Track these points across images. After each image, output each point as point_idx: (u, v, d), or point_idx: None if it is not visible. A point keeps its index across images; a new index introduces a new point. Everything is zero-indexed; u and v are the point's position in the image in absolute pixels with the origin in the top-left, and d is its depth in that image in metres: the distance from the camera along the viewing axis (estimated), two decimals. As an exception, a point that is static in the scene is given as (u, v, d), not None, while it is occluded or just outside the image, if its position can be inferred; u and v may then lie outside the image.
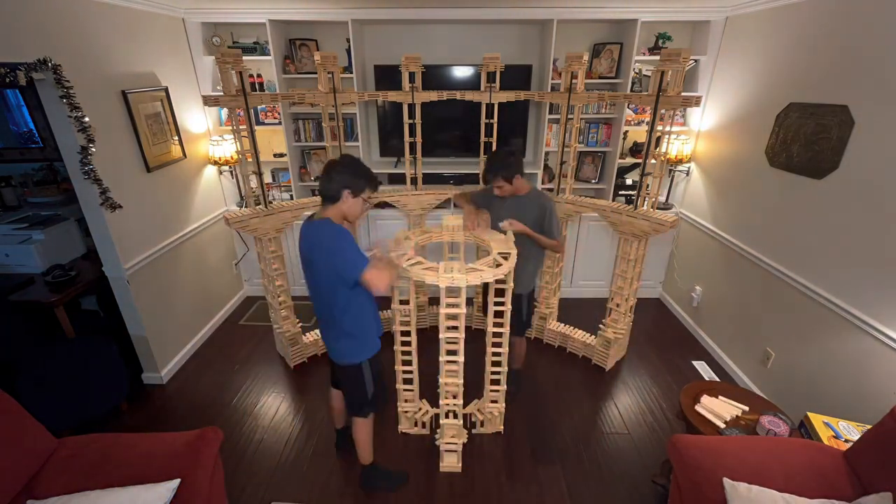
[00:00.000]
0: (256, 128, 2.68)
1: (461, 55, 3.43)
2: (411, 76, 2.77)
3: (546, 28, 3.26)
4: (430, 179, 3.35)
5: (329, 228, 1.66)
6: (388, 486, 2.16)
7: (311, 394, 2.81)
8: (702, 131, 3.36)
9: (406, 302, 2.20)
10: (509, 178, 2.23)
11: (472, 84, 3.31)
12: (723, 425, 1.92)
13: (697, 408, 2.01)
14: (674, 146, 3.29)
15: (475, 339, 2.76)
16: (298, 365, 3.07)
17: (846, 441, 1.78)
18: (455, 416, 2.30)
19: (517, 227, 2.26)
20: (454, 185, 3.36)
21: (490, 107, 2.89)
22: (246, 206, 2.67)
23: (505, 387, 2.34)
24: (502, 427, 2.48)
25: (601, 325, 3.00)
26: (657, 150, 2.46)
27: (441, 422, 2.27)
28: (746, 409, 2.01)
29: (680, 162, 3.37)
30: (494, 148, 3.03)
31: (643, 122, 3.50)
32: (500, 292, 2.11)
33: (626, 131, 3.51)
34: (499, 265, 1.92)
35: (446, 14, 3.08)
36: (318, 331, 3.20)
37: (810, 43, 2.37)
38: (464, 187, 3.23)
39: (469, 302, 3.47)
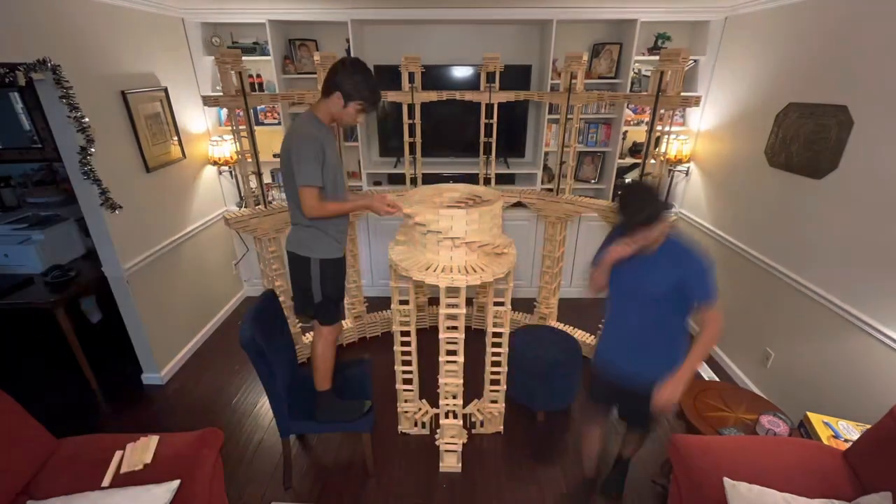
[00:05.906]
0: (256, 128, 2.68)
1: (461, 55, 3.42)
2: (411, 76, 2.76)
3: (545, 28, 3.26)
4: (429, 180, 3.34)
5: None
6: None
7: (311, 394, 2.81)
8: (701, 131, 3.36)
9: (406, 302, 2.20)
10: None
11: (472, 84, 3.31)
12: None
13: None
14: (673, 146, 3.30)
15: (475, 339, 2.76)
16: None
17: (846, 441, 1.78)
18: (455, 417, 2.30)
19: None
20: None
21: (490, 107, 2.89)
22: (245, 207, 2.67)
23: (504, 387, 2.34)
24: (502, 427, 2.48)
25: (601, 326, 2.99)
26: (657, 150, 2.47)
27: (441, 422, 2.26)
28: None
29: (679, 162, 3.37)
30: (494, 148, 3.01)
31: (643, 122, 3.50)
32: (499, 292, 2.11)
33: (626, 131, 3.51)
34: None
35: (446, 14, 3.08)
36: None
37: (809, 43, 2.37)
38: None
39: (469, 302, 3.46)
